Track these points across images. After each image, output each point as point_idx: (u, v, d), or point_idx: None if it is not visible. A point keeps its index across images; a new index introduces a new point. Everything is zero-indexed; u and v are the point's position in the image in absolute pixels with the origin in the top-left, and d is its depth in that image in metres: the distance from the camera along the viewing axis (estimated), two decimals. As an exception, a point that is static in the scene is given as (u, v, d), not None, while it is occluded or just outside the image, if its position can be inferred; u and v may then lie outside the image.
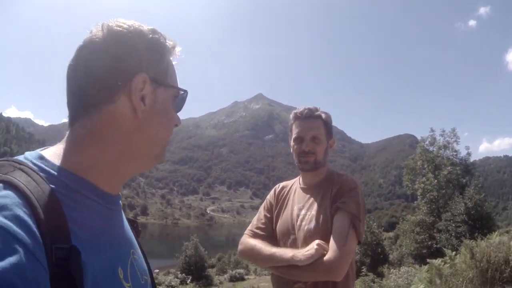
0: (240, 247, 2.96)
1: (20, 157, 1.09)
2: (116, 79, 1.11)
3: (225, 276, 42.36)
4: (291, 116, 2.97)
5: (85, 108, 1.12)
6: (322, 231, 2.71)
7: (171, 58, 1.26)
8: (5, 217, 0.83)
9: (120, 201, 1.29)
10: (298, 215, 2.85)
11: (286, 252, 2.66)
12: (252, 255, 2.88)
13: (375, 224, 43.58)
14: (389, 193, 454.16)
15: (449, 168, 42.97)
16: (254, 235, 2.94)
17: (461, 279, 9.52)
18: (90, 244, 1.01)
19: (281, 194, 3.06)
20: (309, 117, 2.90)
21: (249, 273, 45.18)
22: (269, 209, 3.05)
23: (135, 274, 1.21)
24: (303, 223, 2.80)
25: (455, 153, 46.30)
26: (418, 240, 38.94)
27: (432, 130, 47.79)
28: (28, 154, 1.12)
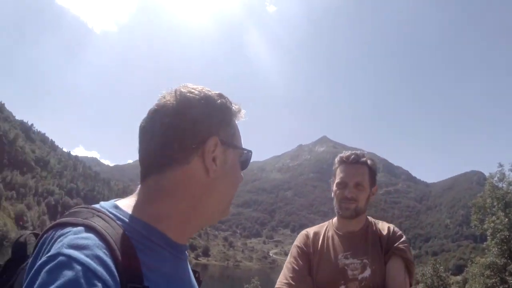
0: None
1: (96, 206, 1.22)
2: (191, 142, 1.23)
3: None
4: (336, 160, 2.95)
5: (159, 166, 1.24)
6: (378, 278, 2.77)
7: (236, 121, 1.37)
8: (87, 256, 0.95)
9: (187, 252, 1.37)
10: (346, 264, 2.79)
11: None
12: None
13: (441, 267, 41.08)
14: (457, 234, 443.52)
15: (520, 205, 39.63)
16: (298, 282, 2.82)
17: None
18: (159, 287, 1.11)
19: (316, 241, 2.97)
20: (355, 162, 2.87)
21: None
22: (305, 258, 2.91)
23: None
24: (355, 272, 2.76)
25: (527, 189, 42.85)
26: (489, 285, 35.54)
27: (500, 165, 44.64)
28: (103, 203, 1.26)
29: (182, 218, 1.26)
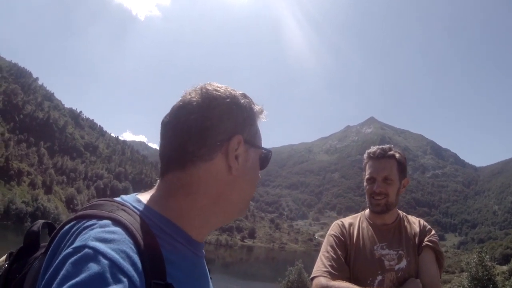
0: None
1: (118, 199, 1.24)
2: (216, 139, 1.25)
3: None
4: (365, 155, 3.03)
5: (181, 162, 1.26)
6: (413, 269, 2.85)
7: (260, 121, 1.40)
8: (114, 250, 0.94)
9: (203, 250, 1.40)
10: (382, 254, 2.85)
11: None
12: None
13: (487, 256, 38.58)
14: (505, 222, 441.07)
15: None
16: (334, 277, 2.79)
17: None
18: (181, 284, 1.11)
19: (351, 231, 3.01)
20: (382, 157, 2.91)
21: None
22: (343, 247, 2.94)
23: None
24: (392, 263, 2.82)
25: None
26: (535, 277, 33.48)
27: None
28: (124, 196, 1.27)
29: (202, 215, 1.28)
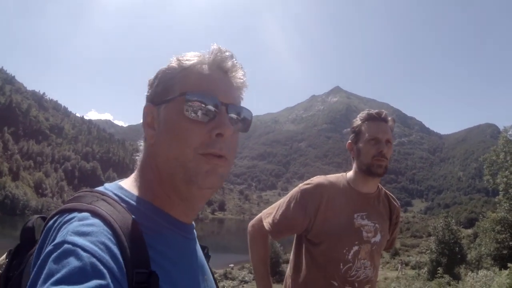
0: (253, 234, 2.96)
1: (101, 188, 1.20)
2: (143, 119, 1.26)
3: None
4: (362, 116, 2.86)
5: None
6: (383, 245, 2.91)
7: (180, 69, 1.23)
8: (92, 243, 0.92)
9: (195, 230, 1.36)
10: (361, 225, 2.77)
11: None
12: (256, 257, 2.96)
13: (453, 220, 41.54)
14: (469, 187, 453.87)
15: (535, 160, 39.85)
16: (276, 234, 2.84)
17: None
18: (167, 270, 1.09)
19: (332, 191, 2.81)
20: (385, 120, 2.83)
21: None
22: (306, 207, 2.75)
23: None
24: (369, 235, 2.76)
25: (542, 143, 43.03)
26: (499, 240, 36.29)
27: (515, 119, 44.92)
28: (107, 185, 1.24)
29: (166, 194, 1.22)
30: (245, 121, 1.28)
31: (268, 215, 2.87)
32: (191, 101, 1.17)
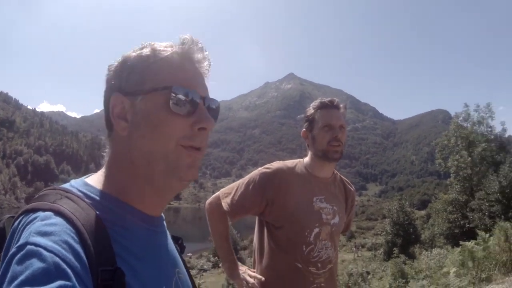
0: (212, 211, 2.99)
1: (66, 185, 1.18)
2: (106, 108, 1.19)
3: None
4: (315, 104, 2.94)
5: (107, 136, 1.24)
6: (342, 226, 3.01)
7: (156, 60, 1.18)
8: (55, 242, 0.90)
9: (165, 222, 1.34)
10: (321, 207, 2.84)
11: (234, 268, 2.95)
12: (217, 233, 3.02)
13: (407, 203, 43.31)
14: (421, 170, 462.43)
15: (483, 145, 42.17)
16: (234, 214, 2.88)
17: (494, 263, 9.53)
18: (134, 266, 1.08)
19: (291, 176, 2.88)
20: (337, 107, 2.91)
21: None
22: (264, 190, 2.79)
23: None
24: (328, 217, 2.84)
25: (489, 129, 45.33)
26: (451, 220, 38.50)
27: (466, 105, 47.16)
28: (73, 182, 1.20)
29: (136, 188, 1.19)
30: (215, 112, 1.28)
31: (226, 195, 2.92)
32: (176, 94, 1.15)
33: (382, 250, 41.16)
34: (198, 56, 1.24)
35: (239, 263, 3.03)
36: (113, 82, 1.19)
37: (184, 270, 1.38)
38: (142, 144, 1.15)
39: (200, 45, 1.24)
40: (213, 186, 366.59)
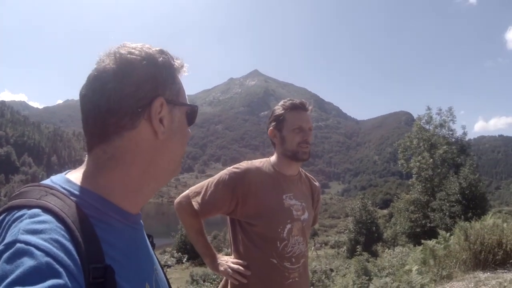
0: (183, 210, 2.97)
1: (47, 181, 1.15)
2: (136, 106, 1.16)
3: (221, 254, 43.87)
4: (287, 105, 2.97)
5: (105, 135, 1.17)
6: (311, 221, 3.10)
7: (181, 76, 1.31)
8: (46, 241, 0.89)
9: (141, 220, 1.35)
10: (291, 204, 2.90)
11: (215, 260, 2.98)
12: (192, 230, 3.02)
13: (369, 202, 43.98)
14: (384, 170, 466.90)
15: (444, 147, 43.27)
16: (205, 213, 2.90)
17: (454, 261, 9.87)
18: (121, 263, 1.08)
19: (258, 176, 2.91)
20: (307, 109, 2.97)
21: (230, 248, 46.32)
22: (234, 190, 2.82)
23: None
24: (298, 213, 2.91)
25: (451, 132, 46.50)
26: (412, 219, 39.58)
27: (428, 108, 48.28)
28: (54, 178, 1.18)
29: (134, 186, 1.21)
30: None
31: (196, 194, 2.94)
32: (195, 110, 1.33)
33: (345, 248, 41.55)
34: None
35: (220, 255, 3.05)
36: (154, 83, 1.20)
37: (160, 268, 1.40)
38: (176, 150, 1.27)
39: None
40: (176, 181, 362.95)
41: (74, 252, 0.93)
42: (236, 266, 2.85)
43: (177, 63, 1.29)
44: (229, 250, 2.96)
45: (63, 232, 0.94)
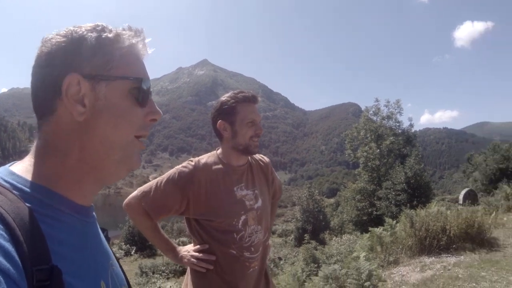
0: (134, 212, 2.87)
1: None
2: (50, 88, 1.05)
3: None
4: (239, 97, 2.88)
5: (39, 122, 1.10)
6: (267, 206, 3.11)
7: (120, 47, 1.13)
8: None
9: (94, 212, 1.23)
10: (242, 195, 2.90)
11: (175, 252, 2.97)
12: (148, 229, 2.93)
13: (316, 191, 44.34)
14: (331, 160, 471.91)
15: (391, 138, 44.25)
16: (156, 215, 2.82)
17: (400, 247, 10.13)
18: (70, 261, 0.98)
19: (207, 171, 2.87)
20: (256, 102, 2.93)
21: (192, 241, 45.98)
22: (184, 189, 2.78)
23: (115, 286, 1.20)
24: (251, 202, 2.91)
25: (398, 124, 47.49)
26: (359, 207, 40.34)
27: (377, 100, 49.22)
28: None
29: (75, 176, 1.09)
30: None
31: (144, 194, 2.84)
32: (139, 84, 1.13)
33: (293, 236, 41.88)
34: (145, 46, 1.21)
35: (180, 247, 3.05)
36: (66, 60, 1.06)
37: (116, 262, 1.31)
38: (105, 132, 1.09)
39: (145, 35, 1.20)
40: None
41: (15, 254, 0.83)
42: (199, 254, 2.85)
43: (111, 33, 1.13)
44: (177, 240, 3.07)
45: (2, 232, 0.83)
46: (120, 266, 1.34)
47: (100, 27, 1.12)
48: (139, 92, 1.13)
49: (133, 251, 35.72)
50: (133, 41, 1.16)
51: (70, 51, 1.07)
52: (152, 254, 35.04)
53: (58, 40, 1.07)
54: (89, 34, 1.09)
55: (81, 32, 1.09)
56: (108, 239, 1.36)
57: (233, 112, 2.86)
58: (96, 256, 1.14)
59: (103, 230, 1.34)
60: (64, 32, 1.09)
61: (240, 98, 2.88)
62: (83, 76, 1.05)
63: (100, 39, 1.10)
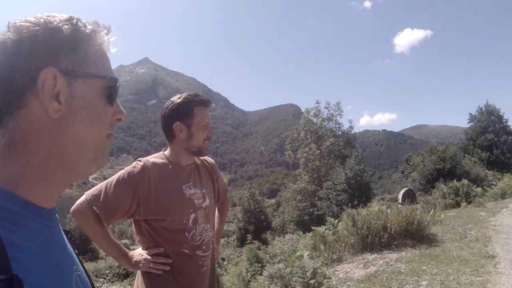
0: (84, 219, 2.76)
1: None
2: (22, 80, 0.96)
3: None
4: (195, 100, 2.92)
5: (1, 117, 0.98)
6: (214, 207, 3.23)
7: (95, 44, 1.07)
8: None
9: (57, 214, 1.14)
10: (191, 194, 2.94)
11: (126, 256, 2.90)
12: (98, 236, 2.83)
13: (257, 191, 44.52)
14: (270, 161, 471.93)
15: (331, 139, 45.18)
16: (108, 218, 2.73)
17: (343, 245, 10.44)
18: (33, 268, 0.91)
19: (155, 171, 2.86)
20: (210, 106, 2.99)
21: (134, 243, 45.24)
22: (135, 190, 2.75)
23: None
24: (199, 201, 2.96)
25: (338, 126, 48.47)
26: (300, 208, 40.97)
27: (317, 102, 50.21)
28: None
29: (41, 174, 1.00)
30: None
31: (95, 198, 2.75)
32: (114, 84, 1.10)
33: (235, 236, 42.20)
34: (109, 43, 1.13)
35: (130, 251, 3.00)
36: (41, 51, 0.98)
37: (82, 268, 1.21)
38: (80, 131, 1.03)
39: (111, 34, 1.13)
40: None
41: None
42: (149, 257, 2.85)
43: (87, 29, 1.06)
44: (121, 242, 3.03)
45: None
46: (85, 270, 1.25)
47: (75, 20, 1.04)
48: (113, 91, 1.10)
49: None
50: (105, 39, 1.10)
51: (44, 42, 0.98)
52: (94, 257, 34.96)
53: (31, 28, 0.98)
54: (64, 26, 1.01)
55: (56, 23, 1.01)
56: (71, 242, 1.26)
57: (191, 114, 2.89)
58: (59, 262, 1.06)
59: (67, 232, 1.25)
60: (35, 19, 1.00)
61: (198, 102, 2.92)
62: (59, 71, 0.98)
63: (77, 33, 1.03)
